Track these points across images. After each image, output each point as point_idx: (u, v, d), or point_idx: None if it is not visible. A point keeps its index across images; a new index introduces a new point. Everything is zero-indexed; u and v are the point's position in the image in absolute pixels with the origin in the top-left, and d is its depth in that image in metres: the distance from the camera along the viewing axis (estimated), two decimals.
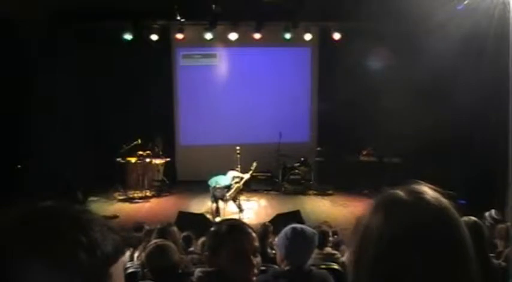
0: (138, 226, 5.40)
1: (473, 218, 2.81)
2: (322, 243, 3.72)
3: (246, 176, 8.71)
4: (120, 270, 0.77)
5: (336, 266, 3.31)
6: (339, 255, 3.74)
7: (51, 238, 0.70)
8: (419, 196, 0.79)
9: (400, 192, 0.81)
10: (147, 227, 5.00)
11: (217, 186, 8.33)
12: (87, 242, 0.71)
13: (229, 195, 8.40)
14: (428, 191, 0.80)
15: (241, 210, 8.51)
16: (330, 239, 4.19)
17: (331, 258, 3.61)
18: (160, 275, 2.61)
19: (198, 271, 1.70)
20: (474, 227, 2.69)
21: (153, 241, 3.00)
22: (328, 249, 3.78)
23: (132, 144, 9.57)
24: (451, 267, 0.73)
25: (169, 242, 2.88)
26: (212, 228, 1.75)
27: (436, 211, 0.77)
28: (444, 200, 0.79)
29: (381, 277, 0.74)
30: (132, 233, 5.06)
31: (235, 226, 1.72)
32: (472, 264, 0.75)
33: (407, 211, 0.77)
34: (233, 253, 1.62)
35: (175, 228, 3.95)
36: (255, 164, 8.84)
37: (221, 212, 8.54)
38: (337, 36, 10.50)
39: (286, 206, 8.93)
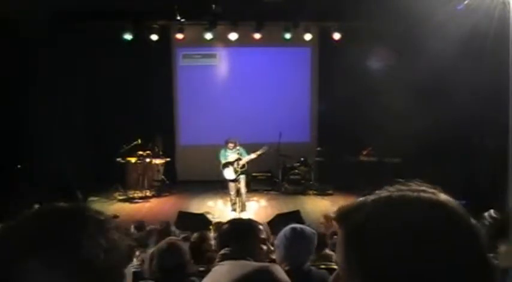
0: (138, 225, 5.40)
1: None
2: (321, 245, 3.70)
3: (252, 156, 8.38)
4: (130, 271, 0.79)
5: (335, 266, 3.29)
6: (331, 254, 3.73)
7: (71, 239, 0.71)
8: (431, 194, 0.77)
9: (409, 191, 0.79)
10: (151, 227, 4.99)
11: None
12: (106, 244, 0.73)
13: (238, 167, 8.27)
14: (433, 191, 0.79)
15: (243, 209, 8.38)
16: (329, 241, 4.16)
17: (329, 259, 3.60)
18: (167, 274, 2.60)
19: (224, 250, 1.95)
20: None
21: (167, 238, 2.98)
22: (327, 251, 3.76)
23: (132, 144, 9.58)
24: (456, 266, 0.72)
25: (180, 242, 2.87)
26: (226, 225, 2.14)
27: (440, 209, 0.76)
28: (446, 197, 0.78)
29: (383, 278, 0.72)
30: (134, 232, 5.06)
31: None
32: (486, 263, 0.74)
33: (411, 209, 0.75)
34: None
35: (175, 229, 3.95)
36: (265, 148, 8.56)
37: (221, 210, 8.53)
38: (337, 36, 10.49)
39: (286, 206, 8.93)
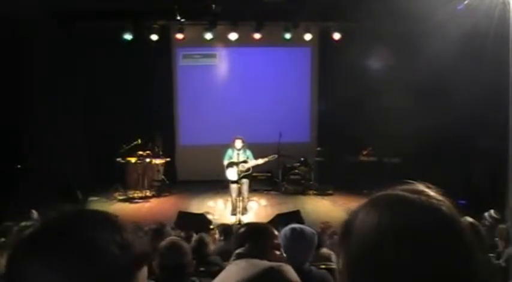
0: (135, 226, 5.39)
1: (469, 218, 2.79)
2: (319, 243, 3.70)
3: (259, 161, 8.18)
4: (145, 275, 0.78)
5: (335, 266, 3.30)
6: (331, 254, 3.73)
7: (89, 234, 0.72)
8: (422, 195, 0.78)
9: (402, 191, 0.79)
10: (149, 227, 4.99)
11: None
12: (121, 241, 0.73)
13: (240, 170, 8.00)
14: (429, 191, 0.79)
15: (243, 213, 8.19)
16: (325, 236, 4.17)
17: (328, 258, 3.60)
18: (169, 273, 2.60)
19: (239, 249, 2.01)
20: (471, 228, 2.68)
21: (169, 238, 2.98)
22: (324, 250, 3.77)
23: (132, 144, 9.57)
24: (453, 267, 0.72)
25: (183, 241, 2.86)
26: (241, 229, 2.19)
27: (440, 211, 0.76)
28: (446, 200, 0.79)
29: (382, 279, 0.73)
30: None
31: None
32: (472, 263, 0.74)
33: (413, 210, 0.76)
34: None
35: (169, 230, 3.94)
36: (275, 156, 8.51)
37: (221, 210, 8.53)
38: (337, 36, 10.50)
39: (286, 206, 8.92)
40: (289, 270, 1.81)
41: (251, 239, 2.06)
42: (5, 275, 0.71)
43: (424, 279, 0.70)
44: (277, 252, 2.10)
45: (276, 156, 8.64)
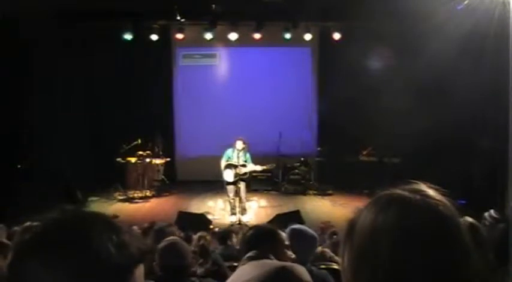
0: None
1: (469, 218, 2.79)
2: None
3: (257, 167, 8.05)
4: (141, 274, 0.79)
5: (335, 266, 3.31)
6: (331, 254, 3.74)
7: (86, 234, 0.73)
8: (424, 196, 0.78)
9: (405, 192, 0.79)
10: (156, 226, 4.97)
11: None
12: (117, 241, 0.74)
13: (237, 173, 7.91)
14: (430, 191, 0.80)
15: (243, 213, 8.13)
16: (325, 236, 4.18)
17: (324, 257, 3.60)
18: (169, 273, 2.60)
19: (250, 252, 1.99)
20: (471, 228, 2.68)
21: (171, 237, 2.98)
22: (319, 248, 3.78)
23: (132, 144, 9.58)
24: (448, 267, 0.73)
25: (183, 242, 2.86)
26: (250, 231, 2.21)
27: (436, 210, 0.77)
28: (445, 200, 0.79)
29: (385, 278, 0.73)
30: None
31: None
32: (472, 264, 0.74)
33: (407, 209, 0.76)
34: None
35: (174, 229, 3.93)
36: (273, 165, 8.56)
37: (221, 210, 8.52)
38: (337, 36, 10.50)
39: (286, 206, 8.93)
40: (303, 271, 1.80)
41: (260, 241, 2.05)
42: (6, 275, 0.72)
43: (420, 277, 0.71)
44: (289, 252, 2.11)
45: (274, 165, 8.65)
